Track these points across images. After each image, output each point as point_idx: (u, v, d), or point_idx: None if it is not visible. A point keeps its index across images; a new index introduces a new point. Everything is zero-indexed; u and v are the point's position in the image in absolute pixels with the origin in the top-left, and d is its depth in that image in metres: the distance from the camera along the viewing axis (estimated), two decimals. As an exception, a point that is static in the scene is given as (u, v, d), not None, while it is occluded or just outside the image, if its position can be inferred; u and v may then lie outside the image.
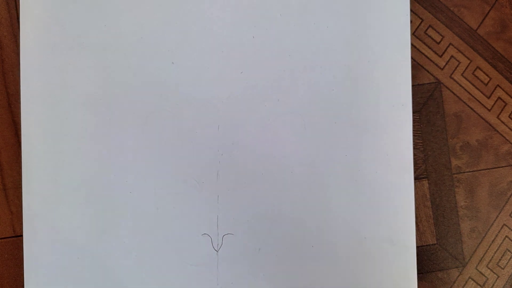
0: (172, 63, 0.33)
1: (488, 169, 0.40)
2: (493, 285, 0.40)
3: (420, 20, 0.39)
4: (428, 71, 0.39)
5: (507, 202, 0.40)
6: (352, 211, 0.35)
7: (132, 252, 0.33)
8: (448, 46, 0.39)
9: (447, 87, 0.39)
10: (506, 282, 0.40)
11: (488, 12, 0.39)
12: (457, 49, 0.39)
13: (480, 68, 0.40)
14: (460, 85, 0.39)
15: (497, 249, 0.40)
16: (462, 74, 0.39)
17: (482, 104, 0.40)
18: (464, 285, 0.40)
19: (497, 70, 0.40)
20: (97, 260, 0.33)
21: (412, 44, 0.39)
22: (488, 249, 0.40)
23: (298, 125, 0.35)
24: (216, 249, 0.34)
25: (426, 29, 0.39)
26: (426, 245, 0.39)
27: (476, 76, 0.40)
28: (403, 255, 0.35)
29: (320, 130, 0.35)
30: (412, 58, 0.38)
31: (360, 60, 0.35)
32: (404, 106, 0.35)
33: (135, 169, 0.33)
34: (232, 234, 0.34)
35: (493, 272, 0.40)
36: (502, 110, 0.40)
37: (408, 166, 0.36)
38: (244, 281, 0.33)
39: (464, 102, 0.39)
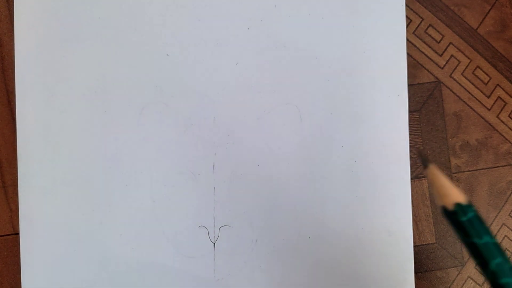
0: (167, 55, 0.33)
1: (488, 168, 0.40)
2: (492, 284, 0.40)
3: (420, 19, 0.38)
4: (428, 70, 0.39)
5: (506, 201, 0.40)
6: (349, 202, 0.35)
7: (129, 245, 0.33)
8: (448, 45, 0.39)
9: (447, 87, 0.39)
10: (505, 281, 0.40)
11: (489, 12, 0.39)
12: (457, 48, 0.39)
13: (480, 68, 0.39)
14: (460, 85, 0.39)
15: (496, 248, 0.40)
16: (462, 74, 0.39)
17: (482, 104, 0.40)
18: (463, 285, 0.39)
19: (497, 70, 0.40)
20: (94, 253, 0.33)
21: (412, 43, 0.38)
22: (487, 248, 0.39)
23: (294, 116, 0.35)
24: (213, 241, 0.34)
25: (426, 28, 0.39)
26: (425, 244, 0.39)
27: (476, 76, 0.39)
28: (400, 246, 0.35)
29: (316, 121, 0.35)
30: (412, 57, 0.38)
31: (355, 50, 0.35)
32: (400, 97, 0.35)
33: (131, 161, 0.33)
34: (229, 226, 0.34)
35: (492, 271, 0.40)
36: (502, 109, 0.40)
37: (405, 156, 0.36)
38: (241, 272, 0.33)
39: (464, 101, 0.39)
